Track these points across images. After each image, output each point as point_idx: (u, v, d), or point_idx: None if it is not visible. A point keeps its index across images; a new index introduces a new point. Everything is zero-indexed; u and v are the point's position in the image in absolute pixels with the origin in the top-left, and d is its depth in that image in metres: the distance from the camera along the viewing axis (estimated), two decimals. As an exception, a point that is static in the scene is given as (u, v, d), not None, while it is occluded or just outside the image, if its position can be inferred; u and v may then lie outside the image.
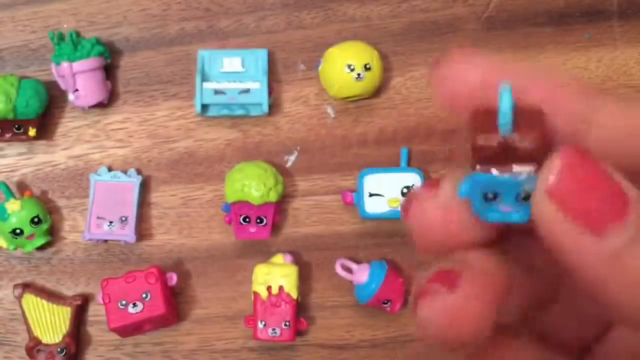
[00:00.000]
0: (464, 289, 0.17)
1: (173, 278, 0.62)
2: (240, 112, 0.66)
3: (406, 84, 0.67)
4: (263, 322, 0.61)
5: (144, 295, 0.60)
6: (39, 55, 0.68)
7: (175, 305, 0.64)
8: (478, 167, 0.18)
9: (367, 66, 0.64)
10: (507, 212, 0.18)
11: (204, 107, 0.65)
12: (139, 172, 0.66)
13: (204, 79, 0.66)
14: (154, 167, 0.67)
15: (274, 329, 0.61)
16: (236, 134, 0.67)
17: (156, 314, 0.60)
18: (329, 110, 0.67)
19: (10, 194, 0.63)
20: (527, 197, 0.18)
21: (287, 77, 0.68)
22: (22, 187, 0.66)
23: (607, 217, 0.15)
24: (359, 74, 0.63)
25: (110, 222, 0.64)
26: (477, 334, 0.17)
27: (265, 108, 0.65)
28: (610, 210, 0.15)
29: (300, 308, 0.63)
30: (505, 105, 0.17)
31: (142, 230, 0.66)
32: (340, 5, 0.68)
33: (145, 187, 0.66)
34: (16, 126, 0.64)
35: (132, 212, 0.64)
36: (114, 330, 0.60)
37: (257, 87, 0.65)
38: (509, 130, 0.18)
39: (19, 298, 0.63)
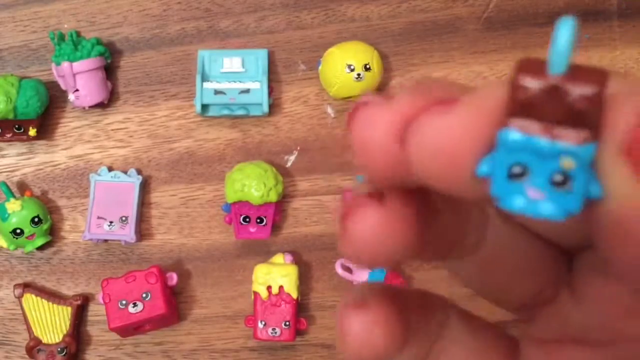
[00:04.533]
0: (392, 203, 0.15)
1: (173, 278, 0.62)
2: (240, 112, 0.66)
3: (406, 84, 0.67)
4: (263, 322, 0.62)
5: (144, 295, 0.60)
6: (39, 55, 0.68)
7: (175, 305, 0.64)
8: (512, 122, 0.13)
9: (367, 66, 0.64)
10: (536, 199, 0.14)
11: (204, 107, 0.65)
12: (139, 172, 0.66)
13: (204, 79, 0.66)
14: (154, 167, 0.67)
15: (274, 329, 0.61)
16: (236, 134, 0.67)
17: (156, 314, 0.60)
18: (329, 110, 0.67)
19: (10, 194, 0.63)
20: (562, 182, 0.14)
21: (287, 77, 0.68)
22: (23, 187, 0.66)
23: None
24: (358, 74, 0.63)
25: (111, 222, 0.64)
26: (405, 249, 0.16)
27: (265, 108, 0.65)
28: None
29: (300, 308, 0.63)
30: (563, 38, 0.13)
31: (142, 230, 0.66)
32: (340, 5, 0.68)
33: (145, 187, 0.66)
34: (16, 126, 0.64)
35: (132, 212, 0.64)
36: (114, 330, 0.60)
37: (257, 87, 0.65)
38: (563, 71, 0.13)
39: (20, 298, 0.63)
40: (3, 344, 0.65)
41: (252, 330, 0.62)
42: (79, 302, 0.63)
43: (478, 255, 0.19)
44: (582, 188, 0.13)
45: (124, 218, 0.64)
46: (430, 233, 0.17)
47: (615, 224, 0.14)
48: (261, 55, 0.66)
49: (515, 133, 0.13)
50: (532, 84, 0.13)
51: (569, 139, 0.13)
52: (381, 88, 0.66)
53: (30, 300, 0.63)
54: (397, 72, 0.68)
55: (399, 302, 0.18)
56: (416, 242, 0.16)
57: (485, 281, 0.20)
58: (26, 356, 0.63)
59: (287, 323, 0.61)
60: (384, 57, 0.66)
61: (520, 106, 0.13)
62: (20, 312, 0.64)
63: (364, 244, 0.16)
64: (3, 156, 0.67)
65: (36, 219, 0.63)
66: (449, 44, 0.67)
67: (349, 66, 0.63)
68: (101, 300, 0.61)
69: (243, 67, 0.66)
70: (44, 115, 0.66)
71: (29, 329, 0.63)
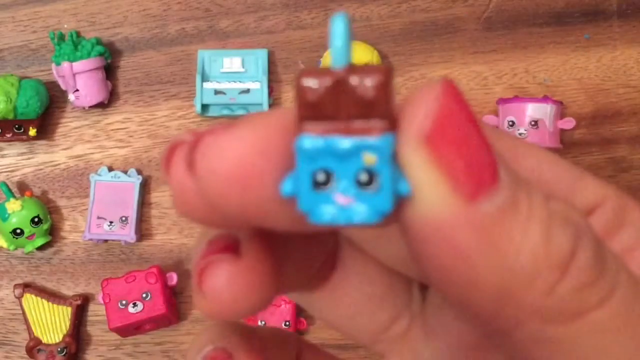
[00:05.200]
0: (247, 254, 0.15)
1: (173, 278, 0.62)
2: (240, 112, 0.66)
3: (406, 84, 0.67)
4: (263, 322, 0.62)
5: (144, 295, 0.60)
6: (39, 55, 0.68)
7: (175, 305, 0.64)
8: (305, 127, 0.13)
9: (367, 66, 0.64)
10: (346, 205, 0.13)
11: (204, 107, 0.65)
12: (139, 172, 0.66)
13: (204, 79, 0.66)
14: (154, 167, 0.67)
15: (274, 329, 0.61)
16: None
17: (156, 314, 0.60)
18: (329, 110, 0.67)
19: (10, 194, 0.63)
20: (369, 181, 0.13)
21: (287, 77, 0.68)
22: (23, 187, 0.66)
23: (483, 177, 0.12)
24: (359, 74, 0.63)
25: (111, 222, 0.64)
26: (264, 299, 0.15)
27: (266, 108, 0.65)
28: (485, 170, 0.13)
29: (300, 308, 0.63)
30: (338, 32, 0.13)
31: (143, 230, 0.66)
32: (340, 6, 0.68)
33: (145, 187, 0.66)
34: (16, 126, 0.64)
35: (132, 212, 0.64)
36: (114, 330, 0.61)
37: (257, 87, 0.65)
38: (344, 64, 0.13)
39: (20, 298, 0.63)
40: (3, 344, 0.65)
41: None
42: (79, 302, 0.63)
43: (327, 285, 0.19)
44: (390, 184, 0.13)
45: (124, 218, 0.64)
46: (283, 271, 0.16)
47: (424, 225, 0.13)
48: (261, 55, 0.66)
49: (309, 138, 0.13)
50: (317, 83, 0.13)
51: (364, 133, 0.12)
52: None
53: (30, 300, 0.63)
54: (397, 72, 0.68)
55: (255, 341, 0.17)
56: (273, 289, 0.15)
57: (335, 312, 0.19)
58: (26, 356, 0.63)
59: (287, 323, 0.61)
60: (384, 57, 0.66)
61: (311, 109, 0.13)
62: (20, 312, 0.64)
63: (219, 301, 0.15)
64: (3, 156, 0.67)
65: (36, 219, 0.63)
66: (449, 44, 0.67)
67: (349, 66, 0.63)
68: (101, 300, 0.61)
69: (243, 67, 0.66)
70: (44, 115, 0.66)
71: (29, 329, 0.63)
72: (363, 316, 0.19)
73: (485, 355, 0.17)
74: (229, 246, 0.15)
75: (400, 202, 0.13)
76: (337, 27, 0.13)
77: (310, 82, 0.13)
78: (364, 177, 0.13)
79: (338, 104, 0.13)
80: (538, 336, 0.13)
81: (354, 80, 0.12)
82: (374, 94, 0.12)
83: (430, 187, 0.12)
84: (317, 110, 0.13)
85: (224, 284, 0.14)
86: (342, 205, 0.13)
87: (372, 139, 0.12)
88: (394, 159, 0.13)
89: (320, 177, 0.13)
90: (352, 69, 0.13)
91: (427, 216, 0.13)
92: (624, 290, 0.13)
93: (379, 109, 0.12)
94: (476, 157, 0.13)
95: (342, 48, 0.13)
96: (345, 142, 0.12)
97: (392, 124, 0.13)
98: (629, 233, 0.16)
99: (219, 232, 0.16)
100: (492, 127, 0.16)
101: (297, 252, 0.17)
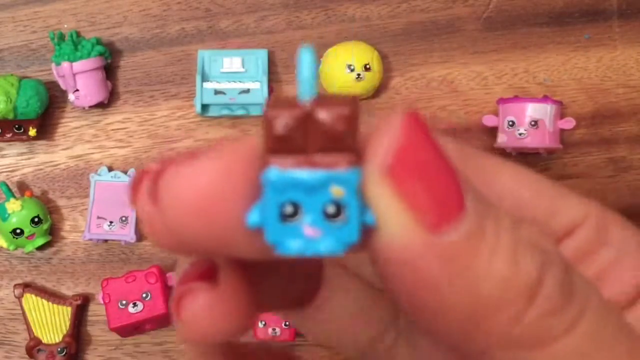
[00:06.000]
0: (224, 281, 0.15)
1: (173, 278, 0.62)
2: (240, 112, 0.66)
3: (406, 84, 0.67)
4: (263, 322, 0.62)
5: (144, 295, 0.60)
6: (39, 55, 0.68)
7: (176, 305, 0.64)
8: (272, 160, 0.13)
9: (367, 66, 0.64)
10: (313, 237, 0.13)
11: (204, 107, 0.65)
12: (139, 172, 0.66)
13: (204, 79, 0.66)
14: (154, 167, 0.67)
15: (274, 329, 0.61)
16: (236, 134, 0.67)
17: (156, 314, 0.60)
18: (329, 110, 0.67)
19: (10, 194, 0.63)
20: (337, 213, 0.13)
21: (287, 77, 0.68)
22: (23, 187, 0.66)
23: (447, 207, 0.13)
24: (359, 74, 0.63)
25: (111, 222, 0.64)
26: (241, 326, 0.15)
27: (266, 108, 0.65)
28: (449, 200, 0.13)
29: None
30: (305, 64, 0.13)
31: (143, 230, 0.66)
32: (340, 5, 0.68)
33: (145, 187, 0.66)
34: (16, 126, 0.64)
35: (132, 212, 0.64)
36: (114, 330, 0.61)
37: (257, 87, 0.65)
38: (311, 96, 0.13)
39: (20, 298, 0.63)
40: (3, 344, 0.65)
41: (252, 330, 0.62)
42: (79, 302, 0.63)
43: (313, 303, 0.19)
44: (357, 216, 0.13)
45: (124, 218, 0.64)
46: (264, 293, 0.16)
47: (391, 255, 0.13)
48: (261, 55, 0.66)
49: (276, 171, 0.13)
50: (284, 116, 0.13)
51: (332, 166, 0.13)
52: (381, 88, 0.66)
53: (30, 300, 0.63)
54: (397, 72, 0.68)
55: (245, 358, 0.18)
56: (251, 312, 0.15)
57: (322, 329, 0.20)
58: (26, 356, 0.63)
59: (287, 323, 0.61)
60: (384, 57, 0.66)
61: (278, 142, 0.13)
62: (20, 312, 0.64)
63: (196, 328, 0.15)
64: (3, 156, 0.67)
65: (36, 219, 0.63)
66: (449, 44, 0.67)
67: (349, 66, 0.63)
68: (101, 300, 0.61)
69: (243, 67, 0.66)
70: (44, 115, 0.66)
71: (29, 329, 0.63)
72: (349, 332, 0.19)
73: None
74: (206, 272, 0.15)
75: (366, 231, 0.13)
76: (304, 59, 0.13)
77: (278, 116, 0.13)
78: (331, 209, 0.13)
79: (305, 137, 0.13)
80: None
81: (321, 114, 0.13)
82: (342, 128, 0.13)
83: (394, 219, 0.13)
84: (284, 142, 0.13)
85: (200, 313, 0.15)
86: (309, 237, 0.13)
87: (340, 172, 0.13)
88: (360, 191, 0.13)
89: (288, 209, 0.13)
90: (320, 101, 0.13)
91: (393, 247, 0.13)
92: (592, 316, 0.13)
93: (346, 142, 0.13)
94: (440, 186, 0.13)
95: (309, 80, 0.13)
96: (313, 175, 0.13)
97: (358, 156, 0.13)
98: (609, 252, 0.17)
99: (196, 259, 0.16)
100: (466, 148, 0.16)
101: (277, 274, 0.17)
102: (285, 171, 0.13)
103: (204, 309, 0.15)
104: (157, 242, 0.15)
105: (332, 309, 0.19)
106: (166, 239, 0.14)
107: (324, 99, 0.13)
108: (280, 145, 0.13)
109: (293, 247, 0.13)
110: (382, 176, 0.13)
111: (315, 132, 0.13)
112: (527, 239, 0.13)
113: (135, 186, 0.14)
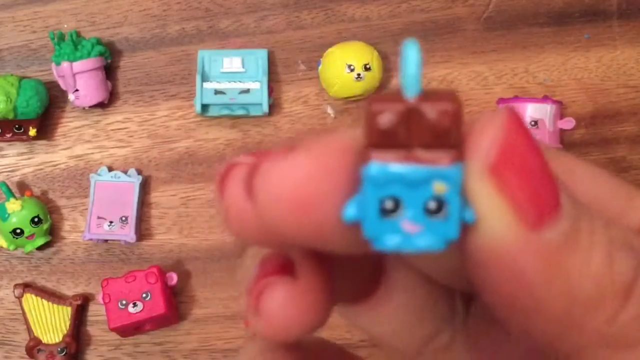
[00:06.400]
0: (303, 275, 0.15)
1: (173, 278, 0.62)
2: (240, 112, 0.66)
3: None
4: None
5: (144, 295, 0.60)
6: (39, 55, 0.68)
7: (175, 305, 0.64)
8: (374, 154, 0.13)
9: (367, 66, 0.64)
10: (413, 233, 0.13)
11: (204, 107, 0.65)
12: (139, 172, 0.66)
13: (204, 79, 0.66)
14: (154, 167, 0.67)
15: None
16: (236, 134, 0.67)
17: (156, 314, 0.60)
18: (329, 110, 0.67)
19: (10, 194, 0.63)
20: (438, 209, 0.13)
21: (287, 77, 0.68)
22: (23, 187, 0.66)
23: (546, 206, 0.13)
24: (359, 74, 0.63)
25: (111, 222, 0.64)
26: (320, 319, 0.15)
27: (265, 108, 0.65)
28: (548, 198, 0.13)
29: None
30: (412, 59, 0.13)
31: (142, 230, 0.66)
32: (340, 5, 0.68)
33: (145, 187, 0.66)
34: (16, 126, 0.64)
35: (132, 212, 0.64)
36: (114, 330, 0.61)
37: (257, 87, 0.65)
38: (417, 92, 0.13)
39: (20, 298, 0.63)
40: (3, 344, 0.65)
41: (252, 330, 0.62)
42: (79, 302, 0.63)
43: (371, 300, 0.19)
44: (458, 212, 0.13)
45: (124, 218, 0.64)
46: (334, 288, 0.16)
47: (489, 253, 0.13)
48: (261, 55, 0.66)
49: (378, 165, 0.13)
50: (389, 111, 0.13)
51: (435, 162, 0.13)
52: (381, 88, 0.66)
53: (30, 300, 0.63)
54: (397, 72, 0.68)
55: (300, 353, 0.17)
56: (329, 306, 0.15)
57: (379, 326, 0.19)
58: (26, 356, 0.63)
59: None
60: (384, 57, 0.66)
61: (381, 137, 0.13)
62: (20, 312, 0.64)
63: (276, 323, 0.15)
64: (3, 156, 0.67)
65: (36, 219, 0.63)
66: (449, 44, 0.67)
67: (349, 66, 0.63)
68: (101, 300, 0.61)
69: (243, 67, 0.66)
70: (44, 115, 0.66)
71: (29, 329, 0.63)
72: (406, 330, 0.19)
73: None
74: (284, 267, 0.15)
75: (465, 229, 0.13)
76: (410, 54, 0.13)
77: (383, 110, 0.13)
78: (433, 205, 0.13)
79: (409, 132, 0.13)
80: None
81: (427, 110, 0.13)
82: (447, 124, 0.13)
83: (495, 216, 0.13)
84: (387, 137, 0.13)
85: (281, 307, 0.15)
86: (409, 233, 0.13)
87: (444, 168, 0.13)
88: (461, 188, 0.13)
89: (389, 204, 0.13)
90: (424, 96, 0.13)
91: (492, 244, 0.13)
92: None
93: (451, 138, 0.13)
94: (539, 185, 0.13)
95: (415, 76, 0.13)
96: (416, 171, 0.13)
97: (461, 152, 0.13)
98: None
99: (270, 251, 0.16)
100: (550, 149, 0.16)
101: (345, 268, 0.17)
102: (387, 166, 0.13)
103: (284, 303, 0.15)
104: (243, 235, 0.14)
105: (390, 306, 0.19)
106: (257, 232, 0.14)
107: (427, 94, 0.13)
108: (383, 139, 0.13)
109: (391, 242, 0.13)
110: (485, 173, 0.13)
111: (419, 128, 0.13)
112: (621, 239, 0.13)
113: (223, 178, 0.14)
